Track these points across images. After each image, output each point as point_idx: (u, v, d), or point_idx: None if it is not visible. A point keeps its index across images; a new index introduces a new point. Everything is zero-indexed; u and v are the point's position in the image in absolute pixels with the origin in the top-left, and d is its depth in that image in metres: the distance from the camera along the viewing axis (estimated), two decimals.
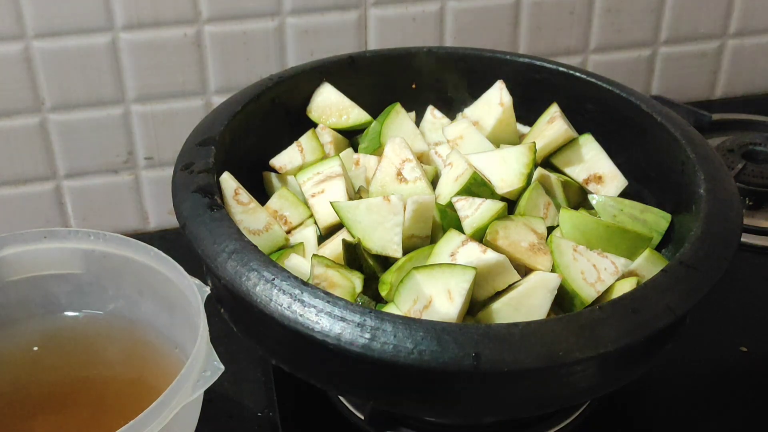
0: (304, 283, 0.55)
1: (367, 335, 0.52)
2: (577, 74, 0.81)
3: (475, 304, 0.63)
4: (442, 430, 0.69)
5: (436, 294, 0.59)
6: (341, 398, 0.72)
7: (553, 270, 0.65)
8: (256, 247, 0.59)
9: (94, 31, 0.90)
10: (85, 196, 0.99)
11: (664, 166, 0.74)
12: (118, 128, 0.96)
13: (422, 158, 0.78)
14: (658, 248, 0.70)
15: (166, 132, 0.97)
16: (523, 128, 0.82)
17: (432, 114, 0.83)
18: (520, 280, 0.63)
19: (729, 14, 1.12)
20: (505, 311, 0.61)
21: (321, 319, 0.53)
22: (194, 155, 0.68)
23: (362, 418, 0.70)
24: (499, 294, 0.62)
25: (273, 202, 0.74)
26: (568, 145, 0.78)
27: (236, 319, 0.63)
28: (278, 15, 0.95)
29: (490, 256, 0.61)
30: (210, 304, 0.63)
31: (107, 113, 0.95)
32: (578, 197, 0.77)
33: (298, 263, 0.67)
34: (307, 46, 0.98)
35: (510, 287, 0.62)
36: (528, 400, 0.57)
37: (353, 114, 0.82)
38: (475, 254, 0.62)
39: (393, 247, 0.65)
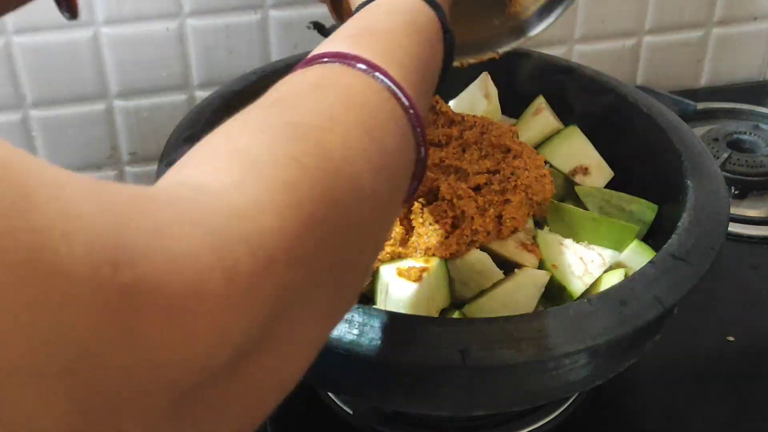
0: None
1: (355, 331, 0.52)
2: (563, 65, 0.81)
3: (462, 302, 0.63)
4: (432, 424, 0.69)
5: (390, 279, 0.61)
6: (330, 393, 0.72)
7: (540, 263, 0.64)
8: None
9: (76, 25, 0.89)
10: None
11: (650, 157, 0.73)
12: (101, 124, 0.95)
13: None
14: (645, 239, 0.70)
15: (149, 127, 0.97)
16: (508, 120, 0.82)
17: None
18: (504, 278, 0.63)
19: (713, 2, 1.12)
20: (493, 306, 0.61)
21: None
22: (178, 150, 0.68)
23: (351, 413, 0.70)
24: (485, 291, 0.62)
25: None
26: (554, 136, 0.78)
27: None
28: (261, 8, 0.95)
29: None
30: None
31: (90, 109, 0.94)
32: (564, 189, 0.76)
33: None
34: (291, 39, 0.97)
35: (496, 284, 0.62)
36: (516, 393, 0.57)
37: None
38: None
39: None
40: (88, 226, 0.24)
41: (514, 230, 0.65)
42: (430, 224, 0.63)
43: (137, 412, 0.25)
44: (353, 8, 0.53)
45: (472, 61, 0.72)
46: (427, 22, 0.49)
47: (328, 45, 0.44)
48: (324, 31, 0.55)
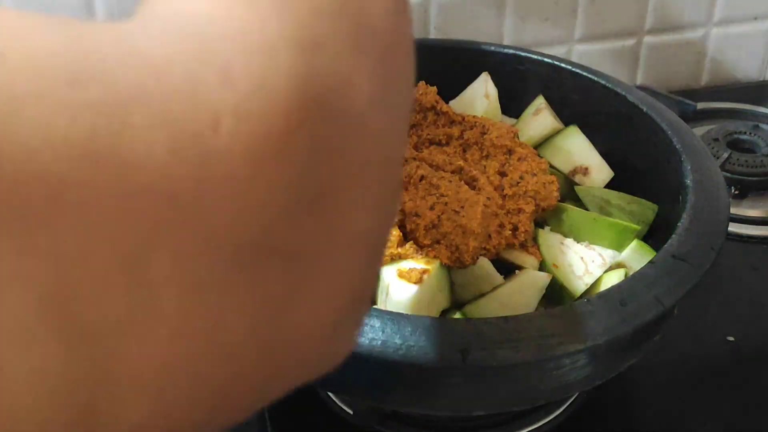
0: None
1: None
2: (563, 65, 0.81)
3: (463, 303, 0.63)
4: (431, 425, 0.69)
5: (391, 281, 0.60)
6: (329, 393, 0.72)
7: (541, 264, 0.64)
8: None
9: None
10: None
11: (650, 157, 0.73)
12: None
13: None
14: (645, 239, 0.70)
15: None
16: (508, 120, 0.82)
17: None
18: (505, 280, 0.63)
19: (713, 2, 1.12)
20: (493, 307, 0.61)
21: None
22: None
23: (351, 412, 0.70)
24: (485, 293, 0.62)
25: None
26: (554, 136, 0.78)
27: None
28: None
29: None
30: None
31: None
32: (564, 189, 0.76)
33: None
34: None
35: (497, 286, 0.62)
36: (516, 394, 0.57)
37: None
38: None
39: None
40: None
41: (525, 240, 0.65)
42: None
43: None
44: None
45: None
46: None
47: None
48: None
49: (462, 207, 0.62)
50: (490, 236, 0.63)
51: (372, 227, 0.28)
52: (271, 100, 0.23)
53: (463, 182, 0.66)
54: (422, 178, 0.65)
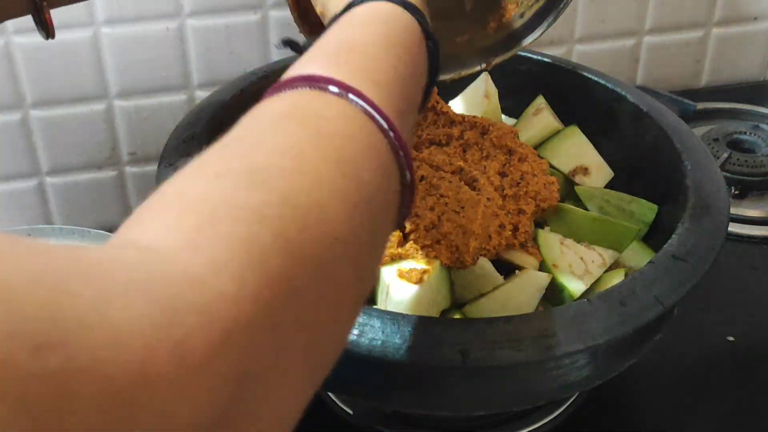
0: None
1: (355, 331, 0.52)
2: (563, 65, 0.81)
3: (463, 303, 0.63)
4: (432, 424, 0.69)
5: (392, 281, 0.60)
6: (330, 393, 0.72)
7: (541, 264, 0.64)
8: None
9: (76, 25, 0.89)
10: (68, 192, 0.98)
11: (650, 157, 0.73)
12: (101, 124, 0.95)
13: None
14: (645, 239, 0.70)
15: (149, 127, 0.97)
16: (508, 120, 0.82)
17: None
18: (505, 281, 0.63)
19: (713, 2, 1.12)
20: (494, 307, 0.61)
21: None
22: (178, 151, 0.68)
23: (351, 412, 0.70)
24: (486, 293, 0.62)
25: None
26: (554, 136, 0.78)
27: None
28: (261, 8, 0.95)
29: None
30: None
31: (90, 109, 0.94)
32: (564, 189, 0.76)
33: None
34: None
35: (498, 286, 0.62)
36: (516, 394, 0.57)
37: None
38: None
39: None
40: (15, 300, 0.21)
41: (525, 240, 0.65)
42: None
43: None
44: (326, 21, 0.49)
45: (463, 73, 0.69)
46: (406, 29, 0.45)
47: (300, 66, 0.40)
48: (297, 48, 0.53)
49: (462, 208, 0.62)
50: (490, 237, 0.63)
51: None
52: (212, 375, 0.25)
53: (463, 183, 0.66)
54: (422, 178, 0.65)
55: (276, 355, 0.28)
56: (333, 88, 0.37)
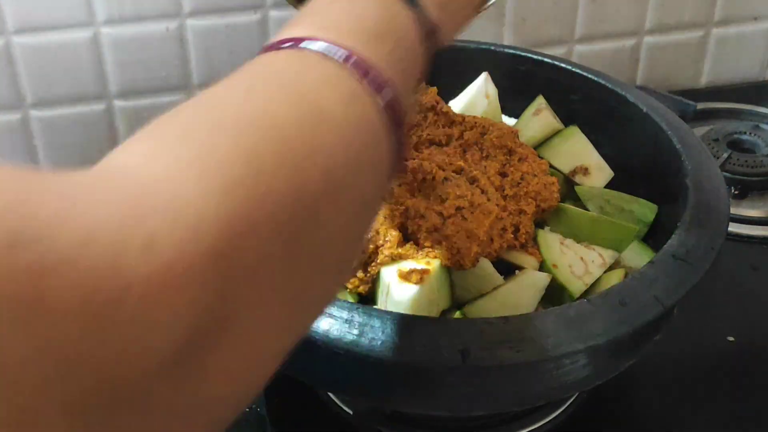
0: None
1: (355, 331, 0.52)
2: (563, 65, 0.81)
3: (463, 303, 0.63)
4: (432, 424, 0.69)
5: (392, 281, 0.60)
6: (330, 393, 0.72)
7: (541, 264, 0.64)
8: None
9: (76, 26, 0.89)
10: None
11: (650, 157, 0.73)
12: (101, 124, 0.95)
13: None
14: (645, 239, 0.70)
15: None
16: (508, 120, 0.82)
17: None
18: (505, 281, 0.63)
19: (713, 2, 1.12)
20: (493, 307, 0.61)
21: None
22: None
23: (351, 413, 0.70)
24: (486, 293, 0.62)
25: None
26: (554, 136, 0.78)
27: None
28: (261, 8, 0.95)
29: None
30: None
31: (90, 109, 0.94)
32: (564, 189, 0.76)
33: None
34: None
35: (498, 286, 0.62)
36: (516, 394, 0.57)
37: None
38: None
39: None
40: None
41: (525, 241, 0.65)
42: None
43: (58, 413, 0.22)
44: None
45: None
46: None
47: (286, 29, 0.41)
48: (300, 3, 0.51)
49: (472, 213, 0.62)
50: (492, 240, 0.63)
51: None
52: (186, 275, 0.25)
53: (476, 186, 0.66)
54: (433, 177, 0.65)
55: (256, 261, 0.28)
56: (311, 45, 0.38)
